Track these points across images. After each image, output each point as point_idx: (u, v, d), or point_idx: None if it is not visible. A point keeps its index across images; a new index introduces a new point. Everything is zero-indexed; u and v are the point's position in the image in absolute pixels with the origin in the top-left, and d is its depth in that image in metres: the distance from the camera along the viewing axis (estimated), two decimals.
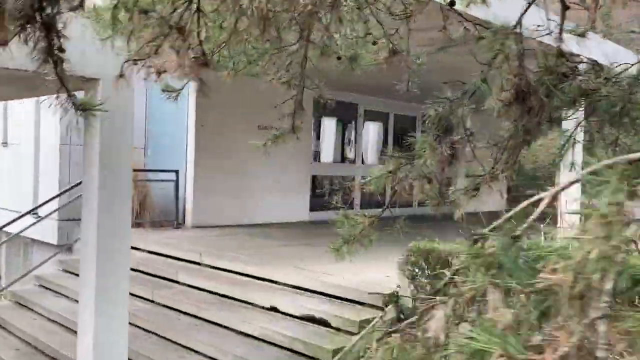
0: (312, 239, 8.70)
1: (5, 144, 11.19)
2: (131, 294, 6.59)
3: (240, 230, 9.52)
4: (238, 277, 6.37)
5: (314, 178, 11.90)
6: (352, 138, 12.73)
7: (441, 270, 4.21)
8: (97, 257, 3.70)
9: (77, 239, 8.62)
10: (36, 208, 8.74)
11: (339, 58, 2.78)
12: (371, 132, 13.40)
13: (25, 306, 7.24)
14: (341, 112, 12.51)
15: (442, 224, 12.07)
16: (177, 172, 9.51)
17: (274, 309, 5.50)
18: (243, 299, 5.85)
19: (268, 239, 8.63)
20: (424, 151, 2.04)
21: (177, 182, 9.46)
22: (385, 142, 13.54)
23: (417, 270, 4.51)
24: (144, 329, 5.85)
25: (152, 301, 6.38)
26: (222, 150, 9.98)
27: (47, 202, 8.64)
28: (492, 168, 2.56)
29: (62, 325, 6.42)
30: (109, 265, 3.79)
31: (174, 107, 10.16)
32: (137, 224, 9.29)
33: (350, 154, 12.75)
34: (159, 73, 1.81)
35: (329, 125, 12.34)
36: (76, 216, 9.57)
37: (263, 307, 5.61)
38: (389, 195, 2.90)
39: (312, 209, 11.60)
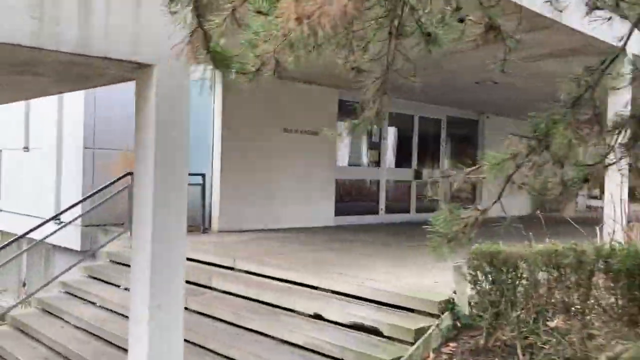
0: (344, 244, 8.42)
1: (26, 148, 11.00)
2: None
3: (268, 235, 9.24)
4: (276, 282, 6.08)
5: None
6: (377, 140, 12.43)
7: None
8: (151, 263, 3.42)
9: (103, 244, 8.38)
10: (59, 214, 8.47)
11: (428, 35, 2.47)
12: (390, 135, 13.08)
13: (53, 314, 6.98)
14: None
15: None
16: (203, 175, 9.25)
17: (318, 317, 5.20)
18: (284, 305, 5.55)
19: (299, 244, 8.34)
20: (558, 130, 1.74)
21: (203, 185, 9.19)
22: (409, 145, 13.24)
23: (480, 275, 4.20)
24: None
25: (186, 308, 6.07)
26: (247, 153, 9.72)
27: (70, 207, 8.39)
28: (605, 156, 2.25)
29: (93, 334, 6.15)
30: (165, 272, 3.52)
31: (197, 108, 9.92)
32: None
33: (374, 157, 12.44)
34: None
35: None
36: (100, 222, 9.40)
37: (306, 315, 5.31)
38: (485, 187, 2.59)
39: (337, 214, 11.31)
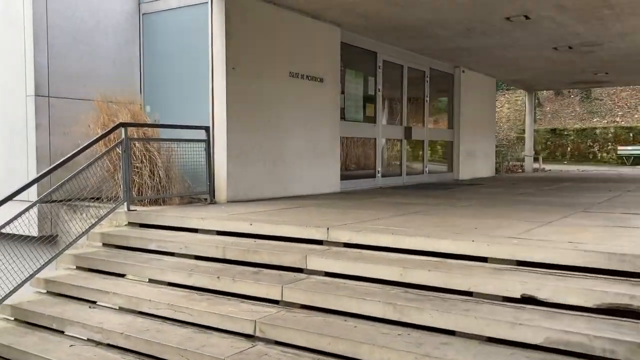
0: (404, 209, 6.78)
1: None
2: (249, 297, 4.35)
3: (293, 203, 7.33)
4: (411, 257, 4.31)
5: None
6: (372, 93, 10.78)
7: None
8: None
9: (93, 224, 6.05)
10: (16, 194, 5.79)
11: None
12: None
13: (44, 327, 4.68)
14: (361, 61, 10.53)
15: (456, 189, 9.64)
16: (207, 129, 7.09)
17: (529, 300, 3.53)
18: (448, 287, 3.81)
19: (366, 209, 6.55)
20: None
21: (208, 143, 7.04)
22: (400, 99, 11.74)
23: None
24: (298, 347, 3.67)
25: (280, 302, 4.15)
26: (255, 102, 7.68)
27: (33, 182, 5.86)
28: None
29: (137, 353, 4.02)
30: None
31: (185, 43, 7.69)
32: (162, 201, 6.83)
33: (370, 112, 10.79)
34: None
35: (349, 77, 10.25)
36: (63, 197, 6.90)
37: (503, 298, 3.61)
38: None
39: (341, 178, 9.57)
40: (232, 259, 4.81)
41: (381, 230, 4.66)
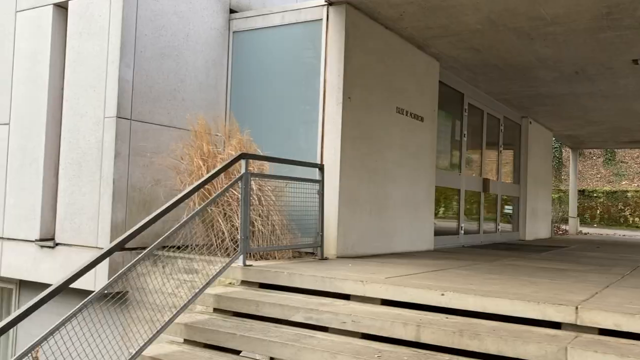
0: (579, 278, 5.49)
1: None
2: None
3: (417, 263, 6.03)
4: None
5: None
6: (458, 139, 9.65)
7: None
8: None
9: (204, 284, 4.70)
10: (124, 241, 4.47)
11: None
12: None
13: None
14: (450, 102, 9.42)
15: (552, 251, 7.48)
16: (321, 168, 5.83)
17: None
18: None
19: (522, 277, 5.24)
20: None
21: (322, 184, 5.76)
22: (479, 146, 10.61)
23: None
24: None
25: None
26: (364, 139, 6.47)
27: (136, 232, 4.38)
28: None
29: None
30: None
31: (285, 67, 6.54)
32: (268, 255, 5.50)
33: (455, 160, 9.63)
34: None
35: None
36: (137, 244, 5.48)
37: None
38: None
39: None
40: (431, 343, 3.46)
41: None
